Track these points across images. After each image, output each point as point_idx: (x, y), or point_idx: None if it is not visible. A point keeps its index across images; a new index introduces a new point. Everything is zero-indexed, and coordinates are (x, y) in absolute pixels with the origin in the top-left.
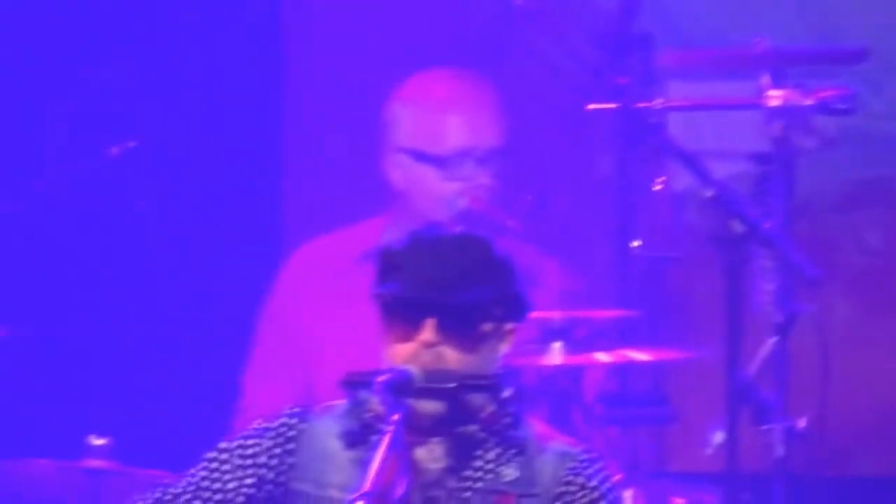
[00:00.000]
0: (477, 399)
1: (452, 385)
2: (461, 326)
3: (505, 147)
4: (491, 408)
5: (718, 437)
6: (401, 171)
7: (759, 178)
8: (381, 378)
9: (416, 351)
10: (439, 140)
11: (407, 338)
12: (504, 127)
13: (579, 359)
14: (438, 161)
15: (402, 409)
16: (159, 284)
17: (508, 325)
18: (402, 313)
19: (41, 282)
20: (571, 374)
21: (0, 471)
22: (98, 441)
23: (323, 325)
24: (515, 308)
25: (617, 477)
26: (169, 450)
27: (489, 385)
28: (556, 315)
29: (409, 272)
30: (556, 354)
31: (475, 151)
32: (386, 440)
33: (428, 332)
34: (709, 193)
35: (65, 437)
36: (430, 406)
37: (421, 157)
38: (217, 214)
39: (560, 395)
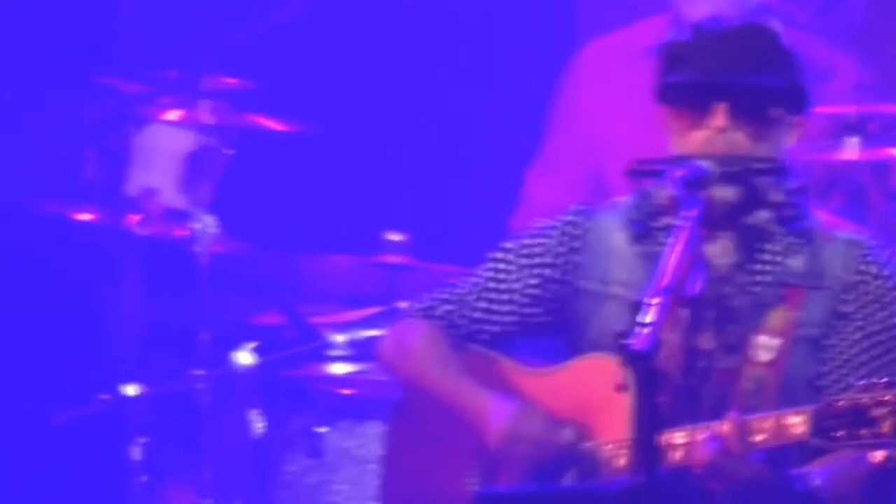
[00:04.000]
0: (766, 185)
1: (744, 168)
2: (752, 111)
3: None
4: (779, 197)
5: None
6: None
7: None
8: (677, 173)
9: (708, 137)
10: None
11: (698, 125)
12: None
13: (874, 153)
14: None
15: (697, 205)
16: (451, 88)
17: (795, 117)
18: (692, 100)
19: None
20: (867, 168)
21: (300, 265)
22: (395, 236)
23: (609, 119)
24: (802, 100)
25: None
26: (463, 245)
27: (778, 170)
28: (850, 110)
29: (699, 60)
30: (851, 149)
31: None
32: (681, 236)
33: (720, 117)
34: None
35: (362, 233)
36: (723, 193)
37: None
38: (509, 12)
39: (856, 189)
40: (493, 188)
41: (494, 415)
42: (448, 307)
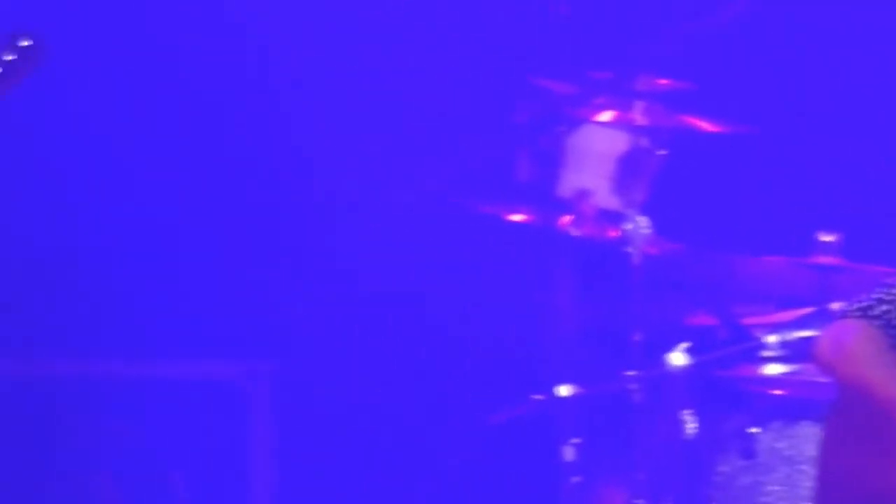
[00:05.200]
0: None
1: None
2: None
3: None
4: None
5: None
6: None
7: None
8: None
9: None
10: None
11: None
12: None
13: None
14: None
15: None
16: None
17: None
18: None
19: None
20: None
21: (733, 267)
22: (827, 237)
23: None
24: None
25: None
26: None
27: None
28: None
29: None
30: None
31: None
32: None
33: None
34: None
35: (795, 234)
36: None
37: None
38: None
39: None
40: None
41: None
42: (885, 307)
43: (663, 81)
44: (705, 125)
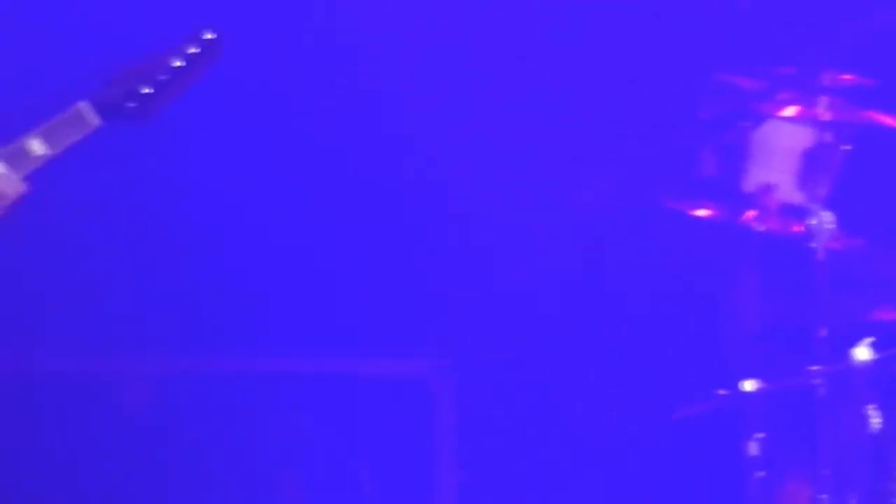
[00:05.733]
0: None
1: None
2: None
3: None
4: None
5: None
6: None
7: None
8: None
9: None
10: None
11: None
12: None
13: None
14: None
15: None
16: None
17: None
18: None
19: None
20: None
21: None
22: None
23: None
24: None
25: None
26: None
27: None
28: None
29: None
30: None
31: None
32: None
33: None
34: None
35: None
36: None
37: None
38: None
39: None
40: None
41: None
42: None
43: (847, 77)
44: (889, 120)
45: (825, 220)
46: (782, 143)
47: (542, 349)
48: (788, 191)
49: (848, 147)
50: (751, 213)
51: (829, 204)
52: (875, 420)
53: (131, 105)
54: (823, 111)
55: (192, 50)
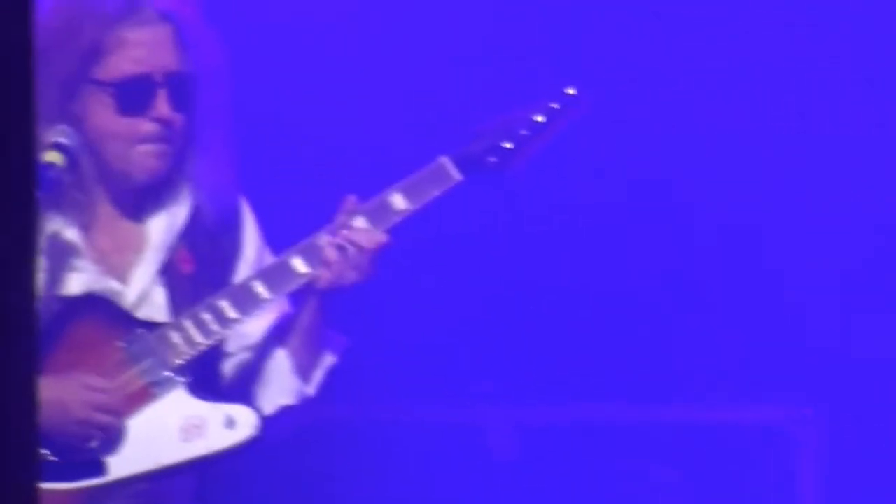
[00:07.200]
0: None
1: None
2: None
3: None
4: None
5: None
6: None
7: None
8: None
9: None
10: None
11: None
12: None
13: None
14: None
15: None
16: None
17: None
18: None
19: None
20: None
21: None
22: None
23: None
24: None
25: None
26: None
27: None
28: None
29: None
30: None
31: None
32: None
33: None
34: None
35: None
36: None
37: None
38: None
39: None
40: None
41: None
42: None
43: None
44: None
45: None
46: None
47: None
48: None
49: None
50: None
51: None
52: None
53: (492, 160)
54: None
55: (554, 105)
